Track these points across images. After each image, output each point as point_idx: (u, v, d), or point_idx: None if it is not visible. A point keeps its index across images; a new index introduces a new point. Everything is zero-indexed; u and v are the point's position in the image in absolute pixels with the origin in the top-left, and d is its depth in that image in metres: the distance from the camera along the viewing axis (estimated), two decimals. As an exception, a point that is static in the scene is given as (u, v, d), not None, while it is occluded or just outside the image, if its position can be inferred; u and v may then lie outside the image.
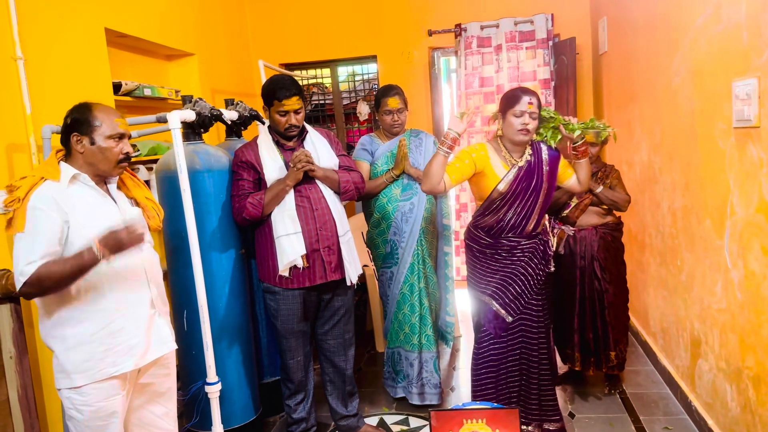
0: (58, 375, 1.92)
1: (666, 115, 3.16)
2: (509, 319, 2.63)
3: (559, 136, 2.67)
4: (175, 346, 2.16)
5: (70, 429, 1.98)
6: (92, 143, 1.93)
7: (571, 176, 2.76)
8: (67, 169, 1.93)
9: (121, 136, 1.97)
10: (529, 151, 2.65)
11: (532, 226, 2.63)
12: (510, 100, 2.58)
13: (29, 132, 2.54)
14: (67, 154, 1.98)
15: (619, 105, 4.24)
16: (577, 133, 2.62)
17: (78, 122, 1.93)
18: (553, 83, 4.79)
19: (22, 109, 2.53)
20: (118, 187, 2.08)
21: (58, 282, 1.81)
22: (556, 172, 2.69)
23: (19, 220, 1.83)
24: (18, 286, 1.81)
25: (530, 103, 2.53)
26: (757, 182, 2.13)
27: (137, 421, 2.12)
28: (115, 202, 2.02)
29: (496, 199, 2.60)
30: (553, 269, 2.75)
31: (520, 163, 2.61)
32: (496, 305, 2.63)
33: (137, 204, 2.12)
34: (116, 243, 1.83)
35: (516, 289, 2.62)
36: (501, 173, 2.60)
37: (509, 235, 2.63)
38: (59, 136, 2.55)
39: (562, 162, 2.73)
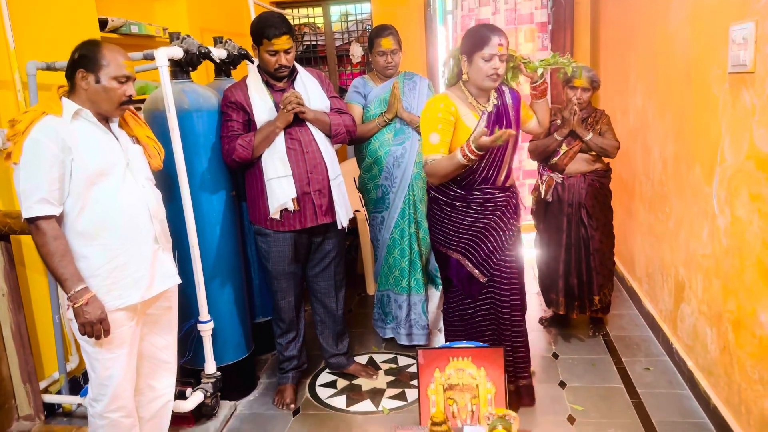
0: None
1: (662, 60, 3.12)
2: (483, 279, 2.46)
3: (520, 76, 2.52)
4: (179, 280, 2.20)
5: (86, 361, 2.04)
6: (97, 81, 1.93)
7: (531, 118, 2.59)
8: (69, 105, 1.93)
9: (126, 78, 1.97)
10: (494, 94, 2.43)
11: (503, 177, 2.46)
12: (477, 41, 2.29)
13: (13, 68, 2.49)
14: (71, 90, 1.97)
15: (616, 49, 4.17)
16: (540, 71, 2.47)
17: (85, 59, 1.92)
18: (550, 27, 4.70)
19: (6, 45, 2.47)
20: (120, 126, 2.09)
21: (42, 256, 1.90)
22: (520, 115, 2.53)
23: (16, 151, 1.84)
24: (25, 216, 1.85)
25: (500, 45, 2.25)
26: (749, 128, 2.13)
27: (138, 353, 2.16)
28: (117, 140, 2.03)
29: None
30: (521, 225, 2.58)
31: (489, 109, 2.40)
32: (469, 265, 2.46)
33: (138, 142, 2.13)
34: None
35: (488, 247, 2.44)
36: (471, 123, 2.36)
37: (482, 186, 2.42)
38: (46, 72, 2.53)
39: (523, 103, 2.57)
